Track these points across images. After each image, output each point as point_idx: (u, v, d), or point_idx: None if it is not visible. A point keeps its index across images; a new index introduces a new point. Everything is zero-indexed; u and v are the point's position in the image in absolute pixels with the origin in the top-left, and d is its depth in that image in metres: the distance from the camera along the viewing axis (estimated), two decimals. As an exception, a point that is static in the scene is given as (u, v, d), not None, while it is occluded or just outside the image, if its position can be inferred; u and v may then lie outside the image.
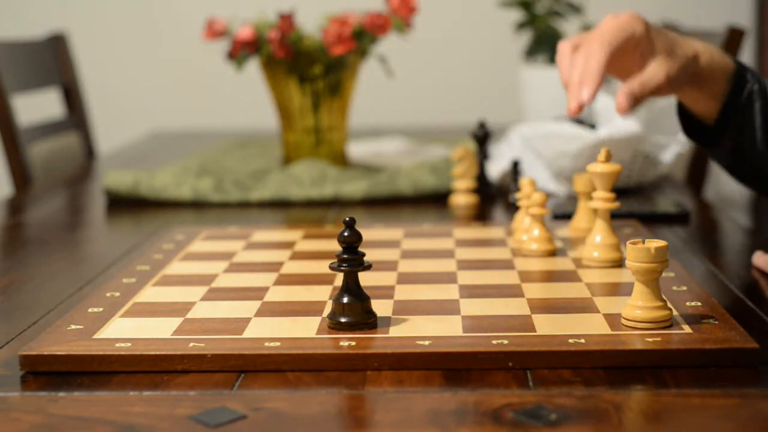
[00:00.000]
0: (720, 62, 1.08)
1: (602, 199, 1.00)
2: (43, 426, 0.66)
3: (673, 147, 1.46)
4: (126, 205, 1.46)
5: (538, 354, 0.74)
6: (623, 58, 1.05)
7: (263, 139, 2.14)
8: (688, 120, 1.15)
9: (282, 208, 1.43)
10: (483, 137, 1.46)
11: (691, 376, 0.72)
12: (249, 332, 0.80)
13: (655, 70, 1.03)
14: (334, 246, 0.92)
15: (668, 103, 1.39)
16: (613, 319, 0.81)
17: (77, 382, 0.73)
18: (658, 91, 1.03)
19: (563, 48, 1.06)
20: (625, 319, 0.80)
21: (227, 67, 2.69)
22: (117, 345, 0.77)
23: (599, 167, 0.99)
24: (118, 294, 0.92)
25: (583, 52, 1.02)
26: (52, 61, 2.15)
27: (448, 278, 0.96)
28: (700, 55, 1.06)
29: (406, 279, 0.96)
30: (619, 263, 0.99)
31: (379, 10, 1.65)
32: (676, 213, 1.29)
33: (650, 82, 1.02)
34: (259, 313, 0.85)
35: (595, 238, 1.00)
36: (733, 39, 1.83)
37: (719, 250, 1.19)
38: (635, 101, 1.02)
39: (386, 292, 0.91)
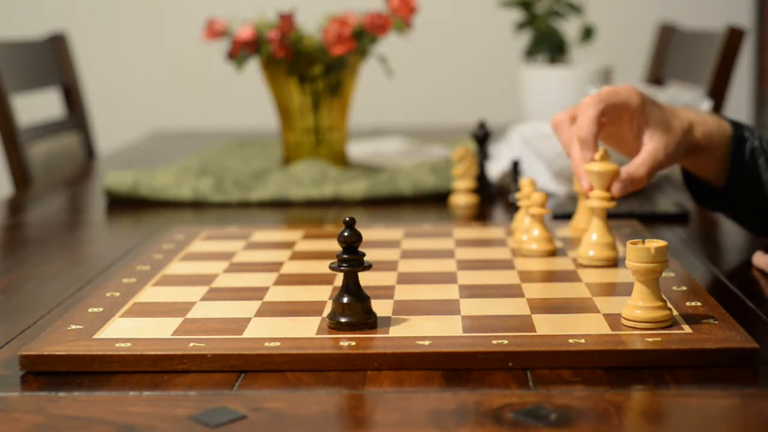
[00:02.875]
0: (716, 128, 1.06)
1: (599, 198, 1.00)
2: (43, 426, 0.66)
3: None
4: (126, 205, 1.46)
5: (538, 354, 0.74)
6: (619, 129, 1.05)
7: (263, 139, 2.13)
8: (697, 187, 1.13)
9: (282, 208, 1.43)
10: (483, 137, 1.46)
11: (691, 376, 0.72)
12: (249, 332, 0.80)
13: (655, 148, 1.02)
14: (334, 246, 0.92)
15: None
16: (613, 319, 0.81)
17: (77, 382, 0.73)
18: (659, 168, 1.03)
19: (561, 118, 1.05)
20: (625, 319, 0.80)
21: (227, 67, 2.69)
22: (117, 345, 0.77)
23: (596, 166, 0.99)
24: (118, 294, 0.92)
25: (578, 122, 1.02)
26: (52, 61, 2.15)
27: (448, 278, 0.96)
28: (695, 125, 1.05)
29: (406, 279, 0.96)
30: (614, 262, 0.99)
31: (379, 10, 1.65)
32: (676, 213, 1.29)
33: (650, 162, 1.02)
34: (259, 313, 0.85)
35: (591, 236, 1.00)
36: (733, 39, 1.84)
37: (719, 250, 1.19)
38: (635, 186, 1.01)
39: (386, 292, 0.91)
